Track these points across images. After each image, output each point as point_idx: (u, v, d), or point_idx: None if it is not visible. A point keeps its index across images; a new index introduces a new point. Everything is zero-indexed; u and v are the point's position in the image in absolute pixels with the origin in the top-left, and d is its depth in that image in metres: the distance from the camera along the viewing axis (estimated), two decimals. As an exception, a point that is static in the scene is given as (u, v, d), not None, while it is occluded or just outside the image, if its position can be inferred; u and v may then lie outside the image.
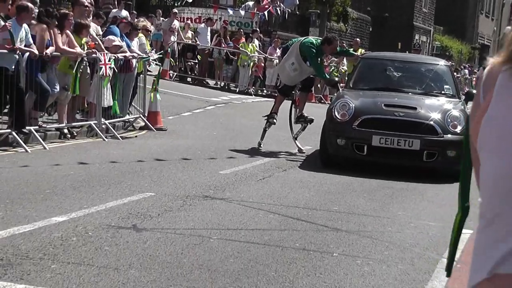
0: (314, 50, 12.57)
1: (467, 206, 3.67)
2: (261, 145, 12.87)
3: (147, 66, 15.24)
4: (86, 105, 13.34)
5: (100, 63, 12.51)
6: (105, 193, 8.40)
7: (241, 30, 26.13)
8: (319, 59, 12.89)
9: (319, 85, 25.00)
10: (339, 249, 6.84)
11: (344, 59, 25.68)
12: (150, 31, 16.75)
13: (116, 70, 13.18)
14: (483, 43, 66.31)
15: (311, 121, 13.09)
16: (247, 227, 7.44)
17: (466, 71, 46.47)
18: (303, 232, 7.41)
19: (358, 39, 30.24)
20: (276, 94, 15.34)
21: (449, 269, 3.47)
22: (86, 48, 12.67)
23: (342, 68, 25.95)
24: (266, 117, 13.28)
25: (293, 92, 13.48)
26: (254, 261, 6.23)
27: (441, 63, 14.01)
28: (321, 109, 15.83)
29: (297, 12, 31.74)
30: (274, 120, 13.17)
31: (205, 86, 24.98)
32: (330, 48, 12.81)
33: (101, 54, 12.56)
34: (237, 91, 24.64)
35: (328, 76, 14.06)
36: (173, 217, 7.57)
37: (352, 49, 24.00)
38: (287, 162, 11.83)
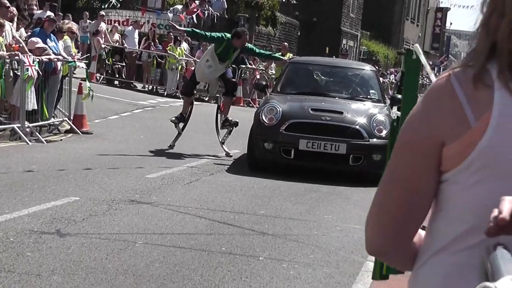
0: (223, 40, 12.63)
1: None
2: (173, 147, 12.91)
3: (73, 69, 15.02)
4: (5, 109, 13.05)
5: (25, 64, 12.27)
6: (28, 197, 8.23)
7: (171, 34, 26.00)
8: (232, 54, 12.84)
9: (247, 88, 25.09)
10: (265, 253, 6.85)
11: (272, 63, 25.81)
12: (76, 33, 16.51)
13: (40, 73, 12.94)
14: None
15: (236, 124, 13.11)
16: (173, 231, 7.39)
17: (392, 76, 47.22)
18: (229, 236, 7.40)
19: (286, 43, 30.40)
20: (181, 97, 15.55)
21: (378, 274, 3.50)
22: (5, 50, 12.40)
23: (271, 72, 26.07)
24: (175, 119, 13.33)
25: (218, 96, 13.53)
26: (180, 266, 6.19)
27: (367, 68, 14.19)
28: (249, 113, 15.85)
29: (226, 16, 31.77)
30: (176, 120, 13.21)
31: (132, 89, 24.78)
32: (239, 42, 12.80)
33: (24, 56, 12.32)
34: (165, 94, 24.50)
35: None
36: (98, 222, 7.47)
37: (280, 53, 24.15)
38: (215, 166, 11.81)
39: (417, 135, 1.66)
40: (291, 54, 25.52)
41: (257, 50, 14.18)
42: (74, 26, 16.31)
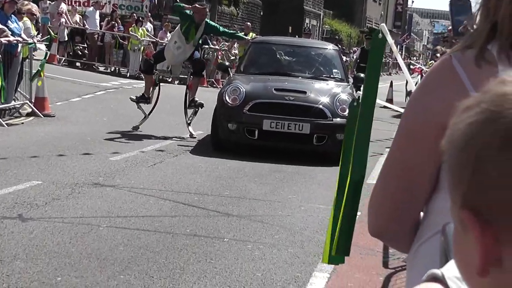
0: (189, 16, 12.58)
1: (362, 177, 3.67)
2: (137, 129, 12.88)
3: (33, 51, 14.80)
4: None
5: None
6: (-11, 182, 8.12)
7: (134, 15, 25.74)
8: (193, 31, 12.75)
9: (211, 69, 25.00)
10: (229, 234, 6.84)
11: (235, 44, 25.73)
12: (36, 15, 16.26)
13: (0, 55, 12.74)
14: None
15: (201, 105, 13.07)
16: (137, 214, 7.35)
17: (355, 54, 47.33)
18: (194, 218, 7.38)
19: (249, 23, 30.31)
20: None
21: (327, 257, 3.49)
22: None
23: (234, 53, 25.99)
24: (134, 98, 13.28)
25: (186, 77, 13.46)
26: (144, 249, 6.16)
27: (330, 47, 14.20)
28: (213, 93, 15.78)
29: (188, -4, 31.55)
30: (135, 98, 13.26)
31: (95, 71, 24.54)
32: (197, 15, 12.72)
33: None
34: (128, 75, 24.31)
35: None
36: (61, 206, 7.40)
37: (243, 33, 24.06)
38: (178, 147, 11.76)
39: (419, 117, 1.65)
40: (254, 34, 25.45)
41: (221, 29, 14.10)
42: (34, 8, 16.06)
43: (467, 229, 0.91)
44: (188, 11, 12.92)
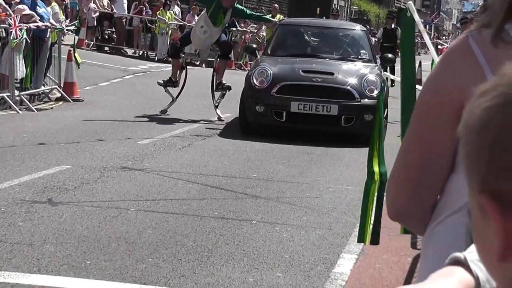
0: (213, 1, 12.57)
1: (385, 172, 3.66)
2: (165, 112, 12.90)
3: (62, 36, 14.89)
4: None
5: (10, 28, 12.14)
6: (19, 167, 8.20)
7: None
8: (221, 16, 12.70)
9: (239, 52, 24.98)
10: (257, 217, 6.85)
11: (263, 26, 25.66)
12: (65, 0, 16.35)
13: (29, 40, 12.83)
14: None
15: (229, 88, 13.06)
16: (166, 197, 7.38)
17: (378, 35, 46.93)
18: (222, 200, 7.40)
19: (276, 5, 30.20)
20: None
21: (362, 237, 3.50)
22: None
23: (262, 35, 25.93)
24: (162, 82, 13.29)
25: (213, 60, 13.45)
26: (173, 232, 6.19)
27: (358, 28, 14.11)
28: (241, 76, 15.77)
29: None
30: (163, 82, 13.25)
31: (123, 55, 24.63)
32: (227, 1, 12.69)
33: (10, 18, 12.17)
34: (156, 59, 24.37)
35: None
36: (90, 190, 7.46)
37: (270, 15, 23.99)
38: (206, 130, 11.78)
39: (436, 96, 1.65)
40: (281, 16, 25.35)
41: (248, 12, 14.07)
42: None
43: (486, 214, 0.90)
44: None
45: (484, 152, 0.88)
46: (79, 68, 14.52)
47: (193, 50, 14.26)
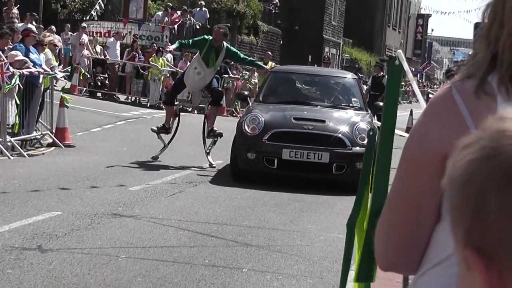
0: (206, 41, 12.74)
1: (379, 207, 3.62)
2: (157, 159, 12.90)
3: (55, 82, 14.94)
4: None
5: (2, 72, 12.18)
6: (9, 213, 8.16)
7: (154, 45, 25.91)
8: (213, 56, 12.84)
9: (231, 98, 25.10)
10: (248, 265, 6.82)
11: (255, 73, 25.83)
12: (57, 46, 16.44)
13: (21, 86, 12.87)
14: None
15: (221, 135, 13.10)
16: (156, 244, 7.35)
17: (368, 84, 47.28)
18: (212, 248, 7.37)
19: (269, 52, 30.42)
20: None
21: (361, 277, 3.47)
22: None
23: (254, 82, 26.07)
24: (156, 129, 13.34)
25: (204, 106, 13.53)
26: (163, 280, 6.15)
27: (349, 76, 14.22)
28: (232, 122, 15.82)
29: (208, 26, 31.74)
30: (156, 129, 13.30)
31: (115, 101, 24.71)
32: (215, 34, 12.90)
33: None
34: (148, 105, 24.46)
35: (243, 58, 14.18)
36: (80, 236, 7.42)
37: (262, 62, 24.14)
38: (198, 177, 11.78)
39: (420, 150, 1.64)
40: (273, 63, 25.50)
41: (241, 56, 14.13)
42: (56, 39, 16.26)
43: (470, 268, 0.91)
44: (204, 36, 13.07)
45: (469, 205, 0.90)
46: (67, 108, 14.46)
47: (185, 96, 14.32)
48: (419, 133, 1.67)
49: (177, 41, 13.85)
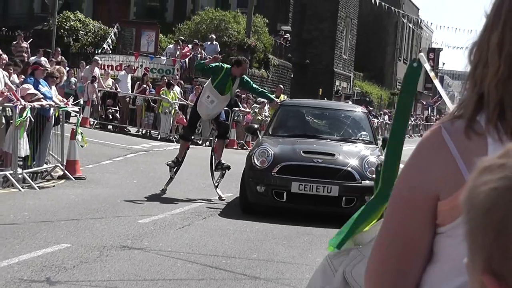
0: (222, 68, 12.79)
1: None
2: (165, 191, 12.90)
3: (65, 116, 15.03)
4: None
5: (13, 103, 12.29)
6: (18, 245, 8.19)
7: (165, 78, 26.08)
8: (230, 85, 12.88)
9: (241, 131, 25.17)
10: (256, 298, 6.80)
11: (266, 107, 25.95)
12: (56, 78, 16.39)
13: (33, 119, 12.97)
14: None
15: (228, 167, 13.12)
16: (165, 277, 7.35)
17: (386, 117, 47.42)
18: (221, 281, 7.36)
19: (281, 86, 30.58)
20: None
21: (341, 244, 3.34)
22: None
23: (264, 115, 26.16)
24: (171, 163, 13.34)
25: (212, 139, 13.56)
26: (171, 313, 6.14)
27: (359, 109, 14.26)
28: (243, 155, 15.86)
29: (219, 59, 32.00)
30: (173, 164, 13.23)
31: (126, 134, 24.81)
32: (239, 69, 12.90)
33: (12, 97, 12.34)
34: (159, 138, 24.55)
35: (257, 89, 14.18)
36: (89, 269, 7.43)
37: (274, 95, 24.26)
38: (207, 210, 11.78)
39: (411, 190, 1.62)
40: (285, 96, 25.61)
41: (254, 85, 14.12)
42: (62, 69, 16.37)
43: None
44: (221, 64, 13.09)
45: (490, 233, 0.90)
46: (82, 147, 14.62)
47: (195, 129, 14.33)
48: (408, 174, 1.65)
49: (195, 63, 13.76)
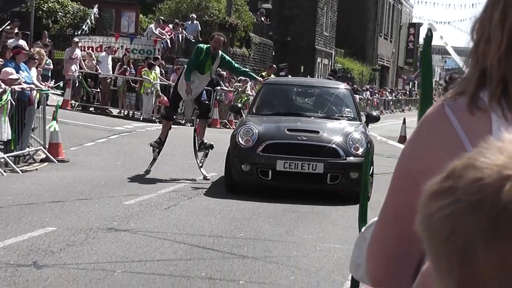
0: (202, 50, 12.73)
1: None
2: (149, 172, 12.85)
3: (46, 98, 14.89)
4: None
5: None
6: (3, 230, 8.13)
7: (150, 59, 25.82)
8: (209, 63, 12.83)
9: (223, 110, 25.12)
10: (245, 276, 6.81)
11: (248, 84, 25.89)
12: (36, 60, 16.24)
13: (14, 102, 12.86)
14: (382, 64, 67.97)
15: (211, 146, 13.09)
16: (152, 258, 7.33)
17: (368, 92, 47.48)
18: (209, 260, 7.35)
19: (274, 66, 30.55)
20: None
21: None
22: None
23: (247, 93, 26.11)
24: (155, 144, 13.28)
25: (194, 119, 13.51)
26: (159, 294, 6.13)
27: (342, 86, 14.24)
28: (226, 134, 15.82)
29: (200, 39, 31.78)
30: (156, 144, 13.17)
31: (108, 115, 24.68)
32: (212, 43, 12.83)
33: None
34: (141, 119, 24.44)
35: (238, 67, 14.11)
36: (76, 252, 7.39)
37: (266, 73, 24.39)
38: (192, 190, 11.76)
39: (414, 166, 1.61)
40: (274, 76, 25.47)
41: (235, 65, 14.05)
42: (42, 52, 16.22)
43: None
44: (198, 46, 13.04)
45: (455, 259, 0.88)
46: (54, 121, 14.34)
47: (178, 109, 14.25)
48: (412, 150, 1.64)
49: (186, 73, 13.43)
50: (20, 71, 13.58)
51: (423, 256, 1.71)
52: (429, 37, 3.44)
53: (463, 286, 0.88)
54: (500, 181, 0.87)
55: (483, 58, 1.56)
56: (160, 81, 24.96)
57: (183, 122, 23.06)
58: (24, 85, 13.33)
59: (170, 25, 30.19)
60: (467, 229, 0.86)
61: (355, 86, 41.88)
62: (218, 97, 24.46)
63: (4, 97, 12.34)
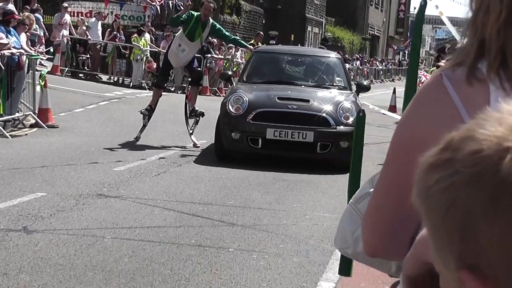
0: (192, 16, 12.72)
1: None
2: (139, 139, 12.83)
3: (36, 64, 14.80)
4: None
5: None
6: (-7, 195, 8.12)
7: (141, 27, 25.66)
8: (200, 31, 12.78)
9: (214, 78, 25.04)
10: (234, 244, 6.84)
11: (238, 51, 25.79)
12: (27, 25, 16.13)
13: (3, 67, 12.77)
14: (373, 34, 67.81)
15: (202, 114, 13.08)
16: (142, 225, 7.35)
17: (358, 62, 47.41)
18: (198, 228, 7.38)
19: (261, 33, 30.38)
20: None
21: (345, 269, 3.49)
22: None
23: (236, 61, 26.03)
24: (145, 111, 13.24)
25: (185, 86, 13.48)
26: (149, 260, 6.16)
27: (332, 55, 14.20)
28: (216, 102, 15.79)
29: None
30: (146, 112, 13.15)
31: (98, 81, 24.57)
32: (202, 11, 12.81)
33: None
34: (131, 85, 24.35)
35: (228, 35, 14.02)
36: (65, 217, 7.40)
37: (254, 41, 24.27)
38: (182, 157, 11.76)
39: (411, 137, 1.60)
40: (261, 44, 25.39)
41: (226, 33, 14.00)
42: (32, 17, 16.08)
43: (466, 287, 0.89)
44: (191, 12, 12.96)
45: (455, 232, 0.87)
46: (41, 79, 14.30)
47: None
48: (410, 121, 1.63)
49: (169, 19, 13.57)
50: (9, 36, 13.47)
51: (418, 226, 1.72)
52: (423, 6, 3.45)
53: (464, 260, 0.88)
54: (500, 153, 0.86)
55: (482, 29, 1.55)
56: (150, 47, 24.84)
57: (173, 89, 22.99)
58: (14, 50, 13.23)
59: (161, -9, 29.97)
60: (467, 202, 0.86)
61: (346, 56, 41.79)
62: (208, 65, 24.36)
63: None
